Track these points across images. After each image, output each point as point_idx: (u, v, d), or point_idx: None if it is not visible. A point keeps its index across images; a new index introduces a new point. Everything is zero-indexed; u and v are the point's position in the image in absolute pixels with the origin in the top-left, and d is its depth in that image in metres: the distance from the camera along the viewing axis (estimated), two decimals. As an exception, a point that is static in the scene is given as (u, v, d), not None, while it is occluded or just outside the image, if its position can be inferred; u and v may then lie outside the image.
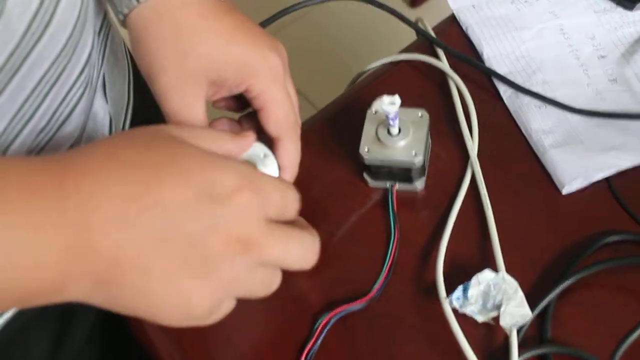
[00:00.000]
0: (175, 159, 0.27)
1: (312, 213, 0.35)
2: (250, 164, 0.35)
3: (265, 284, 0.30)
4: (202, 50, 0.34)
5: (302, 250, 0.30)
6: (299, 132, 0.37)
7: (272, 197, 0.29)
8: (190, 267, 0.27)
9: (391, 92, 0.39)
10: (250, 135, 0.33)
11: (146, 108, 0.38)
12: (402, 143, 0.40)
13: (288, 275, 0.32)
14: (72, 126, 0.38)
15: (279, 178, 0.32)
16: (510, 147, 0.44)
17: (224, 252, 0.27)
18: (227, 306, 0.29)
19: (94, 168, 0.26)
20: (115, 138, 0.29)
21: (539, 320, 0.37)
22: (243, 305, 0.30)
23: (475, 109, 0.45)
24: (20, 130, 0.34)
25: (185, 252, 0.26)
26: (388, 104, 0.38)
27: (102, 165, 0.26)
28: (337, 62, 1.23)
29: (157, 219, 0.26)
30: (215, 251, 0.27)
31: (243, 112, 0.39)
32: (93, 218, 0.25)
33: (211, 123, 0.38)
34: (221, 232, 0.27)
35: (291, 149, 0.36)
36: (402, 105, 0.39)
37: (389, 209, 0.41)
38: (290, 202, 0.30)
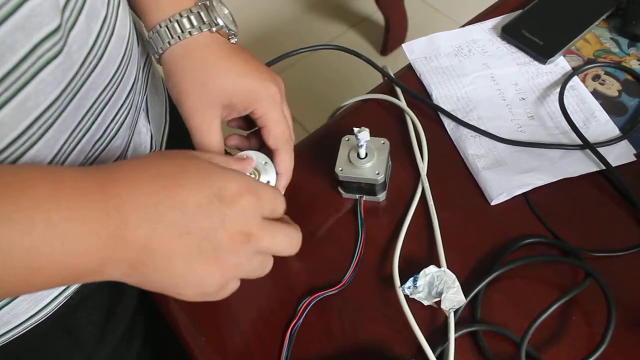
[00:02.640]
0: (192, 171, 0.28)
1: (297, 216, 0.35)
2: (254, 170, 0.36)
3: (261, 267, 0.30)
4: (218, 81, 0.34)
5: (288, 241, 0.30)
6: (292, 146, 0.38)
7: (266, 200, 0.29)
8: (204, 255, 0.27)
9: (361, 124, 0.41)
10: (250, 160, 0.33)
11: (179, 127, 0.39)
12: (368, 164, 0.41)
13: (278, 264, 0.32)
14: (120, 139, 0.38)
15: (271, 186, 0.33)
16: (452, 168, 0.44)
17: (230, 243, 0.27)
18: (233, 286, 0.29)
19: (130, 178, 0.27)
20: (148, 156, 0.29)
21: (471, 304, 0.37)
22: (244, 288, 0.31)
23: (426, 137, 0.45)
24: (80, 140, 0.34)
25: (200, 243, 0.27)
26: (359, 133, 0.39)
27: (136, 176, 0.27)
28: (324, 97, 1.24)
29: (178, 217, 0.26)
30: (223, 242, 0.27)
31: (250, 130, 0.40)
32: (129, 216, 0.26)
33: (226, 138, 0.38)
34: (228, 228, 0.27)
35: (286, 159, 0.37)
36: (369, 134, 0.40)
37: (357, 215, 0.42)
38: (279, 204, 0.31)
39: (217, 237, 0.27)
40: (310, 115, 1.06)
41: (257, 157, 0.36)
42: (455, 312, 0.36)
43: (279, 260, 0.32)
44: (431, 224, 0.41)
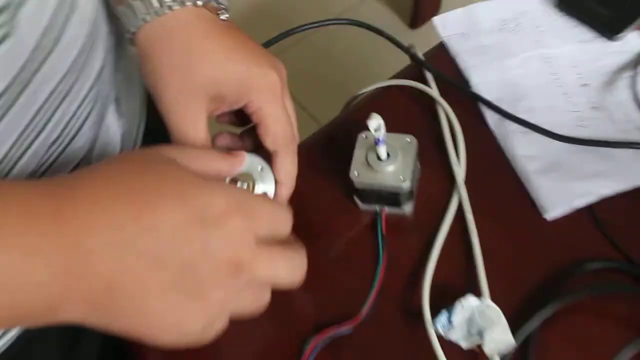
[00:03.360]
0: (168, 185, 0.27)
1: (303, 233, 0.35)
2: (247, 178, 0.36)
3: (255, 302, 0.30)
4: (203, 68, 0.34)
5: (289, 270, 0.30)
6: (295, 147, 0.37)
7: (262, 219, 0.29)
8: (183, 290, 0.27)
9: (382, 117, 0.38)
10: (241, 155, 0.33)
11: (160, 124, 0.38)
12: (390, 168, 0.40)
13: (278, 295, 0.31)
14: (83, 139, 0.38)
15: (270, 200, 0.32)
16: (496, 173, 0.43)
17: (215, 274, 0.27)
18: (220, 325, 0.29)
19: (92, 193, 0.26)
20: (115, 161, 0.29)
21: (522, 348, 0.36)
22: (235, 327, 0.30)
23: (463, 134, 0.44)
24: (32, 143, 0.33)
25: (178, 275, 0.26)
26: (370, 122, 0.37)
27: (99, 190, 0.26)
28: (336, 83, 1.24)
29: (151, 244, 0.26)
30: (207, 274, 0.27)
31: (245, 126, 0.39)
32: (89, 243, 0.25)
33: (214, 137, 0.38)
34: (212, 256, 0.27)
35: (288, 163, 0.36)
36: (392, 130, 0.39)
37: (378, 232, 0.41)
38: (282, 222, 0.30)
39: (199, 268, 0.27)
40: (319, 106, 1.08)
41: (252, 162, 0.36)
42: (502, 358, 0.35)
43: (279, 291, 0.32)
44: (470, 243, 0.40)
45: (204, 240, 0.27)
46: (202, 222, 0.27)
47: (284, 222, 0.30)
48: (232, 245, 0.27)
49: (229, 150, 0.39)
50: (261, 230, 0.29)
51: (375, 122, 0.37)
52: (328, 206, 0.43)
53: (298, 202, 0.38)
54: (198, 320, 0.27)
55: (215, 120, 0.39)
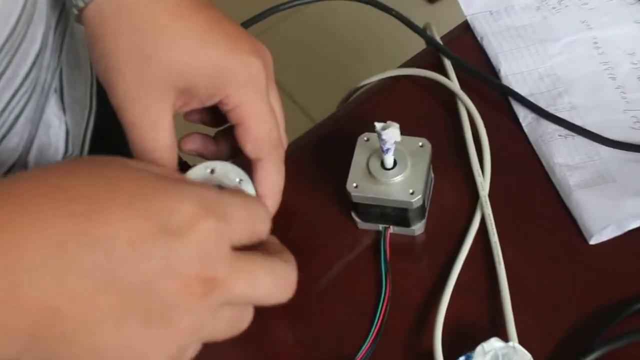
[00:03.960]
0: (123, 189, 0.27)
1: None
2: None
3: (234, 324, 0.30)
4: (169, 54, 0.34)
5: (275, 282, 0.30)
6: (282, 153, 0.37)
7: (238, 220, 0.29)
8: (143, 316, 0.26)
9: (388, 116, 0.38)
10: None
11: (112, 119, 0.38)
12: (398, 178, 0.39)
13: (258, 328, 0.31)
14: (17, 138, 0.37)
15: (239, 192, 0.32)
16: (528, 186, 0.42)
17: (183, 296, 0.27)
18: (191, 353, 0.29)
19: (30, 200, 0.26)
20: (59, 166, 0.28)
21: None
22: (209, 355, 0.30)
23: (488, 137, 0.43)
24: None
25: (137, 298, 0.26)
26: (384, 131, 0.37)
27: (38, 199, 0.26)
28: (333, 70, 1.24)
29: (101, 260, 0.26)
30: (173, 295, 0.27)
31: (220, 127, 0.39)
32: (23, 262, 0.25)
33: (181, 139, 0.38)
34: (179, 273, 0.27)
35: (272, 174, 0.36)
36: (401, 131, 0.38)
37: (380, 257, 0.40)
38: (259, 221, 0.30)
39: (162, 288, 0.27)
40: (312, 99, 1.08)
41: (228, 171, 0.35)
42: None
43: (260, 322, 0.31)
44: (494, 272, 0.39)
45: (167, 253, 0.26)
46: (164, 231, 0.27)
47: (261, 220, 0.30)
48: (203, 257, 0.27)
49: (200, 156, 0.39)
50: (237, 235, 0.28)
51: (393, 130, 0.37)
52: (320, 224, 0.43)
53: (284, 219, 0.38)
54: (163, 353, 0.27)
55: (183, 118, 0.38)
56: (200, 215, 0.27)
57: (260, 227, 0.30)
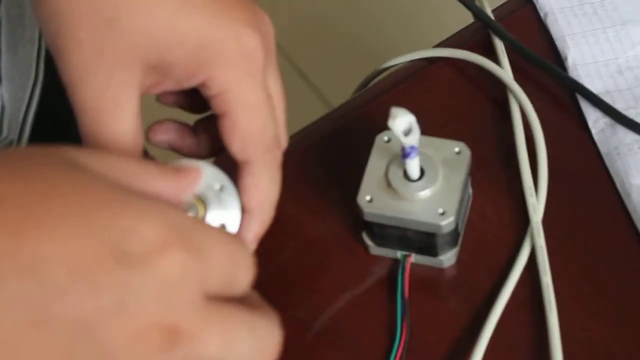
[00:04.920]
0: (68, 198, 0.27)
1: (280, 291, 0.35)
2: (196, 201, 0.35)
3: None
4: (138, 18, 0.34)
5: (255, 344, 0.29)
6: (279, 156, 0.37)
7: (217, 260, 0.28)
8: None
9: (417, 107, 0.38)
10: (196, 172, 0.32)
11: (61, 96, 0.38)
12: (425, 193, 0.39)
13: None
14: None
15: (227, 233, 0.31)
16: (595, 211, 0.42)
17: (135, 346, 0.26)
18: None
19: None
20: None
21: None
22: None
23: (547, 145, 0.43)
24: None
25: (73, 343, 0.26)
26: (394, 121, 0.36)
27: None
28: (361, 44, 1.25)
29: (30, 292, 0.25)
30: (121, 344, 0.26)
31: (201, 114, 0.40)
32: None
33: (151, 127, 0.39)
34: (131, 316, 0.26)
35: (263, 182, 0.36)
36: (430, 131, 0.38)
37: (397, 293, 0.40)
38: (241, 269, 0.30)
39: (107, 334, 0.26)
40: (330, 80, 1.07)
41: (207, 176, 0.35)
42: None
43: None
44: (543, 324, 0.39)
45: (118, 288, 0.26)
46: (116, 258, 0.26)
47: (244, 268, 0.30)
48: (165, 298, 0.27)
49: (173, 150, 0.39)
50: (213, 279, 0.28)
51: (404, 121, 0.36)
52: (320, 248, 0.43)
53: (275, 240, 0.38)
54: None
55: (156, 100, 0.39)
56: (168, 243, 0.27)
57: (240, 277, 0.30)
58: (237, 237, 0.34)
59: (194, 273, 0.27)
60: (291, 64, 1.11)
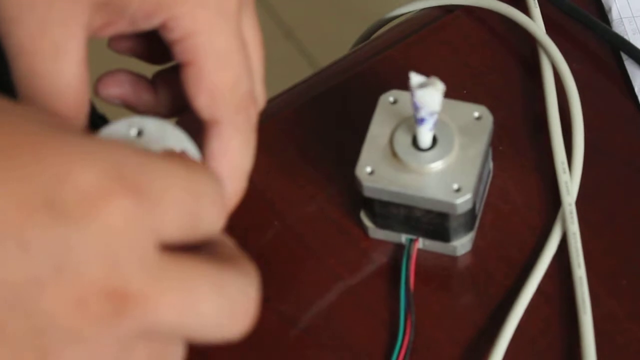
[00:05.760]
0: None
1: (260, 279, 0.34)
2: None
3: None
4: None
5: (223, 305, 0.29)
6: (253, 116, 0.37)
7: (172, 200, 0.28)
8: (4, 342, 0.26)
9: (429, 65, 0.41)
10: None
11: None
12: (437, 165, 0.40)
13: None
14: None
15: (182, 157, 0.31)
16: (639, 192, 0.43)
17: (75, 318, 0.27)
18: None
19: None
20: None
21: None
22: None
23: (584, 113, 0.44)
24: None
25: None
26: (420, 91, 0.37)
27: None
28: None
29: None
30: (59, 317, 0.26)
31: (163, 64, 0.40)
32: None
33: (100, 79, 0.39)
34: (70, 281, 0.26)
35: (234, 145, 0.37)
36: (446, 93, 0.38)
37: (400, 283, 0.41)
38: (207, 204, 0.30)
39: (39, 302, 0.26)
40: (318, 35, 1.07)
41: (164, 135, 0.36)
42: None
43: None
44: (575, 325, 0.39)
45: (54, 247, 0.26)
46: (51, 211, 0.26)
47: (211, 201, 0.30)
48: (108, 257, 0.27)
49: (127, 106, 0.40)
50: (168, 225, 0.28)
51: (436, 89, 0.37)
52: (310, 229, 0.43)
53: (257, 218, 0.37)
54: None
55: (108, 45, 0.39)
56: (109, 190, 0.27)
57: (207, 214, 0.30)
58: (201, 164, 0.34)
59: (143, 222, 0.27)
60: (275, 19, 1.10)
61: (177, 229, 0.28)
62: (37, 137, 0.28)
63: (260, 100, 0.38)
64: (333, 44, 0.86)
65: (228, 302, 0.29)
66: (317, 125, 0.45)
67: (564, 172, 0.42)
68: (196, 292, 0.28)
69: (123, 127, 0.35)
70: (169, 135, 0.36)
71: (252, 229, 0.39)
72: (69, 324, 0.26)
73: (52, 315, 0.26)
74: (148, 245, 0.28)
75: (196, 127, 0.37)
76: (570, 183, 0.42)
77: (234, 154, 0.37)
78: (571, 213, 0.41)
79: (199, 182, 0.30)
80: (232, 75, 0.36)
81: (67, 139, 0.28)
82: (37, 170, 0.27)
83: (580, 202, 0.42)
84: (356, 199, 0.42)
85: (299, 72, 0.41)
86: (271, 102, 0.46)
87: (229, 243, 0.32)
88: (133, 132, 0.35)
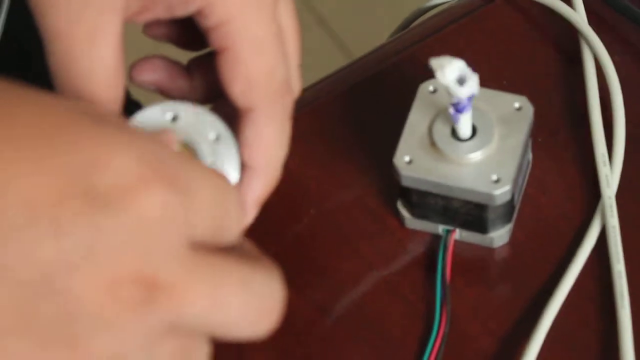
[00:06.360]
0: (24, 123, 0.27)
1: (295, 268, 0.35)
2: (186, 150, 0.36)
3: None
4: None
5: (250, 301, 0.29)
6: (289, 105, 0.38)
7: (202, 200, 0.29)
8: (36, 330, 0.26)
9: (469, 54, 0.40)
10: (169, 134, 0.33)
11: (27, 17, 0.39)
12: (476, 156, 0.40)
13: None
14: None
15: (213, 170, 0.32)
16: None
17: (105, 304, 0.27)
18: None
19: None
20: None
21: None
22: None
23: (625, 105, 0.43)
24: None
25: (30, 298, 0.26)
26: (440, 70, 0.36)
27: None
28: None
29: None
30: (89, 301, 0.26)
31: (197, 52, 0.40)
32: None
33: (135, 65, 0.39)
34: (102, 266, 0.26)
35: (269, 134, 0.37)
36: (486, 83, 0.38)
37: (436, 274, 0.41)
38: (231, 213, 0.30)
39: (70, 288, 0.26)
40: (353, 26, 1.07)
41: (200, 121, 0.36)
42: None
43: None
44: (613, 319, 0.39)
45: (87, 232, 0.26)
46: (86, 196, 0.26)
47: (234, 212, 0.30)
48: (142, 245, 0.27)
49: (161, 92, 0.40)
50: (199, 224, 0.28)
51: (453, 69, 0.37)
52: (345, 219, 0.43)
53: (288, 207, 0.38)
54: None
55: (143, 32, 0.39)
56: (146, 178, 0.27)
57: (231, 222, 0.30)
58: (224, 177, 0.34)
59: (178, 214, 0.27)
60: (309, 8, 1.10)
61: (204, 230, 0.29)
62: (76, 126, 0.28)
63: (296, 88, 0.38)
64: (366, 33, 0.87)
65: (255, 299, 0.29)
66: (354, 115, 0.45)
67: (604, 165, 0.42)
68: (225, 288, 0.29)
69: (158, 112, 0.35)
70: (204, 120, 0.36)
71: (288, 217, 0.39)
72: (99, 309, 0.26)
73: (82, 300, 0.26)
74: (181, 238, 0.28)
75: (231, 115, 0.37)
76: (610, 176, 0.42)
77: (269, 142, 0.37)
78: (611, 206, 0.41)
79: (226, 193, 0.30)
80: (267, 62, 0.36)
81: (106, 128, 0.28)
82: (75, 157, 0.27)
83: (620, 195, 0.41)
84: (393, 189, 0.42)
85: (332, 61, 0.40)
86: (308, 91, 0.46)
87: (248, 243, 0.32)
88: (168, 116, 0.35)
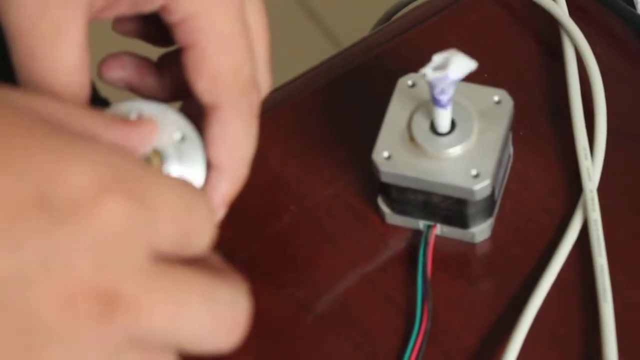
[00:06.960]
0: None
1: (276, 265, 0.35)
2: (152, 153, 0.36)
3: None
4: None
5: (214, 316, 0.29)
6: (255, 102, 0.37)
7: (166, 211, 0.29)
8: None
9: (450, 47, 0.38)
10: (150, 125, 0.33)
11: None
12: (455, 150, 0.39)
13: None
14: None
15: (179, 179, 0.31)
16: None
17: (62, 317, 0.26)
18: None
19: None
20: None
21: None
22: None
23: (607, 99, 0.43)
24: None
25: None
26: (436, 71, 0.36)
27: None
28: None
29: None
30: (46, 314, 0.26)
31: (169, 47, 0.40)
32: None
33: (103, 62, 0.39)
34: (59, 279, 0.26)
35: (235, 131, 0.37)
36: (466, 77, 0.38)
37: (417, 270, 0.41)
38: (198, 223, 0.30)
39: (27, 300, 0.26)
40: (343, 17, 1.07)
41: (165, 121, 0.36)
42: None
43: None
44: (595, 314, 0.39)
45: (44, 243, 0.26)
46: (43, 207, 0.26)
47: (202, 223, 0.30)
48: (102, 257, 0.27)
49: (131, 89, 0.40)
50: (163, 236, 0.28)
51: (458, 61, 0.36)
52: (325, 215, 0.43)
53: (268, 204, 0.37)
54: None
55: (112, 28, 0.39)
56: (106, 188, 0.27)
57: (199, 233, 0.30)
58: (194, 186, 0.34)
59: (140, 226, 0.27)
60: (299, 1, 1.09)
61: (169, 242, 0.29)
62: (33, 137, 0.28)
63: (264, 85, 0.38)
64: (357, 25, 0.86)
65: (219, 313, 0.29)
66: (335, 109, 0.45)
67: (586, 158, 0.42)
68: (186, 301, 0.28)
69: (122, 111, 0.35)
70: (169, 119, 0.35)
71: (269, 214, 0.39)
72: (55, 322, 0.26)
73: (37, 313, 0.26)
74: (142, 251, 0.28)
75: (198, 114, 0.37)
76: (592, 169, 0.42)
77: (235, 140, 0.37)
78: (592, 200, 0.41)
79: (193, 202, 0.30)
80: (233, 59, 0.36)
81: (64, 137, 0.28)
82: (29, 168, 0.27)
83: (602, 189, 0.41)
84: (374, 185, 0.42)
85: (323, 53, 0.40)
86: (289, 85, 0.48)
87: (216, 257, 0.32)
88: (132, 116, 0.35)
